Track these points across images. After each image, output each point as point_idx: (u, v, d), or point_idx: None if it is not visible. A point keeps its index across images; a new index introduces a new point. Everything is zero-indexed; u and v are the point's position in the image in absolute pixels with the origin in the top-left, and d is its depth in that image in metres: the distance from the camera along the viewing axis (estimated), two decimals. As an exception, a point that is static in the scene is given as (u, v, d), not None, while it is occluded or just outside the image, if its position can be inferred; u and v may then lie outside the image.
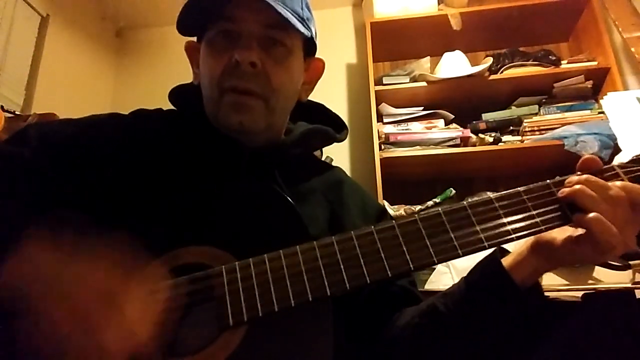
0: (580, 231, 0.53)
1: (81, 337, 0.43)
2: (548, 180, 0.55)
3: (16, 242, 0.47)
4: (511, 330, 0.59)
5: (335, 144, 0.81)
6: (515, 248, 0.58)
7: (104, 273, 0.46)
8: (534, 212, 0.53)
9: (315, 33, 0.76)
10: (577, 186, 0.52)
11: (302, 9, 0.70)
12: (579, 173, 0.55)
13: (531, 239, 0.56)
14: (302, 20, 0.69)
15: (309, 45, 0.75)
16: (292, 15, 0.66)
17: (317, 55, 0.79)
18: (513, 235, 0.52)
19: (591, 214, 0.50)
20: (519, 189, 0.55)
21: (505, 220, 0.53)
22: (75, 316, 0.44)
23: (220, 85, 0.67)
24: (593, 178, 0.53)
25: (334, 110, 0.84)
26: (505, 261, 0.58)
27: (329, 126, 0.78)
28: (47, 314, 0.44)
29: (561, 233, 0.54)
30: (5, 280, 0.45)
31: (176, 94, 0.77)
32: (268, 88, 0.67)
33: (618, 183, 0.52)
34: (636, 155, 0.56)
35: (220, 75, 0.66)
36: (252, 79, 0.66)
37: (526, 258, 0.57)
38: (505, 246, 0.55)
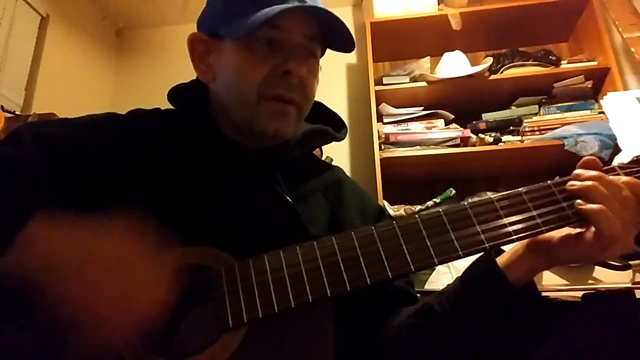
0: (579, 230, 0.53)
1: (95, 312, 0.45)
2: (549, 181, 0.55)
3: (23, 223, 0.48)
4: (508, 329, 0.60)
5: (335, 143, 0.81)
6: (511, 247, 0.58)
7: (118, 246, 0.48)
8: (535, 213, 0.53)
9: None
10: (589, 182, 0.52)
11: None
12: None
13: None
14: None
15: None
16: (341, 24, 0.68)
17: None
18: (514, 236, 0.52)
19: (598, 206, 0.50)
20: (519, 189, 0.55)
21: (506, 220, 0.53)
22: (90, 292, 0.45)
23: (260, 91, 0.66)
24: (606, 176, 0.52)
25: (333, 110, 0.84)
26: (500, 260, 0.58)
27: (328, 125, 0.79)
28: (59, 290, 0.45)
29: (559, 232, 0.54)
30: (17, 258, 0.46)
31: (176, 94, 0.76)
32: (304, 98, 0.69)
33: (625, 179, 0.52)
34: (636, 156, 0.56)
35: (262, 81, 0.66)
36: (295, 90, 0.67)
37: (521, 257, 0.57)
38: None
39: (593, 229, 0.51)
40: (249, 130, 0.69)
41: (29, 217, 0.48)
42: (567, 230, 0.54)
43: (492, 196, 0.55)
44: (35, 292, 0.45)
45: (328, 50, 0.75)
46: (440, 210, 0.54)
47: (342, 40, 0.69)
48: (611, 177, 0.52)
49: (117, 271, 0.47)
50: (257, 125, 0.68)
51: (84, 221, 0.49)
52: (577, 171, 0.55)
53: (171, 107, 0.77)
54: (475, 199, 1.87)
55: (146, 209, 0.49)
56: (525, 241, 0.56)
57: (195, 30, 0.74)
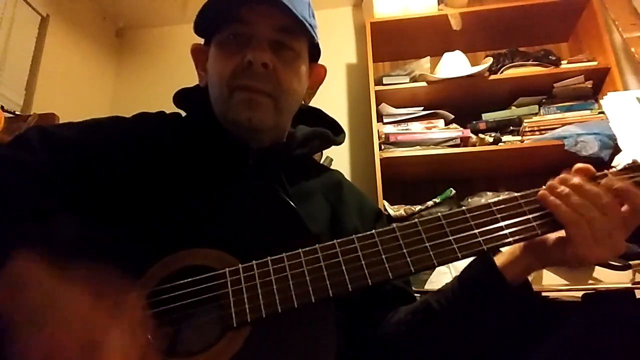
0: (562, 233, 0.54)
1: None
2: (544, 186, 0.56)
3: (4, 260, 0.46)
4: (506, 328, 0.60)
5: (335, 145, 0.82)
6: (507, 247, 0.59)
7: (87, 311, 0.45)
8: (531, 216, 0.54)
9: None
10: (557, 201, 0.53)
11: (309, 16, 0.72)
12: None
13: None
14: (311, 27, 0.72)
15: (313, 51, 0.77)
16: (304, 21, 0.69)
17: None
18: (510, 239, 0.53)
19: (565, 213, 0.52)
20: (515, 194, 0.56)
21: (502, 224, 0.54)
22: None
23: (230, 84, 0.68)
24: (584, 184, 0.53)
25: (334, 110, 0.86)
26: (498, 260, 0.59)
27: (327, 129, 0.80)
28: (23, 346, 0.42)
29: (555, 235, 0.55)
30: None
31: (181, 97, 0.78)
32: (278, 88, 0.69)
33: (619, 184, 0.53)
34: (629, 163, 0.57)
35: (231, 74, 0.68)
36: (263, 79, 0.68)
37: (518, 257, 0.58)
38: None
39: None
40: (228, 124, 0.71)
41: (13, 250, 0.47)
42: (561, 233, 0.55)
43: (489, 200, 0.56)
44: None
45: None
46: (439, 213, 0.55)
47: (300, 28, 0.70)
48: (588, 185, 0.53)
49: (81, 323, 0.44)
50: (231, 116, 0.70)
51: (60, 268, 0.47)
52: (551, 182, 0.55)
53: (174, 109, 0.79)
54: (475, 199, 1.88)
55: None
56: (521, 242, 0.57)
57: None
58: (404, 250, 0.52)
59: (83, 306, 0.45)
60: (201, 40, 0.78)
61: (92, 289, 0.46)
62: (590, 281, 1.26)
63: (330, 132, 0.80)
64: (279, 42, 0.70)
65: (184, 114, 0.79)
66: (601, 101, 1.82)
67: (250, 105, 0.68)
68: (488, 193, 1.89)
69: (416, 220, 0.55)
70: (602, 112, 1.81)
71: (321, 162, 1.94)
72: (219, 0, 0.70)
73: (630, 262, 1.20)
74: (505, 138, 1.96)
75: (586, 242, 0.51)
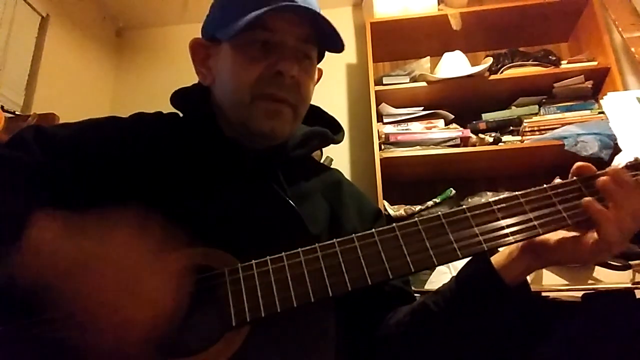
0: (575, 233, 0.54)
1: (106, 312, 0.45)
2: (545, 185, 0.56)
3: (26, 227, 0.47)
4: (505, 328, 0.60)
5: (335, 144, 0.82)
6: (505, 247, 0.59)
7: (126, 248, 0.47)
8: (531, 216, 0.54)
9: None
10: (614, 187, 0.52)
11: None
12: (574, 178, 0.56)
13: None
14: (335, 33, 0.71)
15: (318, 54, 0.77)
16: (332, 29, 0.68)
17: None
18: (511, 238, 0.53)
19: (611, 212, 0.51)
20: (516, 193, 0.56)
21: (503, 223, 0.54)
22: (100, 292, 0.45)
23: (253, 91, 0.68)
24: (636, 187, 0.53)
25: (334, 111, 0.86)
26: (495, 260, 0.59)
27: (326, 128, 0.80)
28: (71, 293, 0.44)
29: (554, 234, 0.55)
30: (25, 264, 0.45)
31: (179, 97, 0.77)
32: (299, 98, 0.70)
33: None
34: (630, 161, 0.57)
35: (255, 81, 0.67)
36: (288, 90, 0.68)
37: (517, 258, 0.58)
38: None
39: (591, 233, 0.52)
40: (245, 130, 0.70)
41: (31, 216, 0.48)
42: (562, 233, 0.55)
43: (489, 200, 0.55)
44: (44, 295, 0.44)
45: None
46: (439, 212, 0.55)
47: (331, 41, 0.70)
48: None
49: (124, 272, 0.46)
50: (252, 124, 0.69)
51: (85, 220, 0.48)
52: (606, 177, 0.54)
53: (173, 110, 0.78)
54: (476, 199, 1.88)
55: (148, 211, 0.49)
56: (520, 242, 0.57)
57: (195, 32, 0.76)
58: (404, 250, 0.52)
59: (125, 250, 0.47)
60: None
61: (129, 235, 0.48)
62: (590, 281, 1.26)
63: (329, 130, 0.80)
64: (301, 51, 0.70)
65: (181, 114, 0.79)
66: (601, 101, 1.82)
67: (273, 115, 0.68)
68: (488, 193, 1.89)
69: (416, 219, 0.54)
70: (602, 112, 1.81)
71: (321, 161, 1.94)
72: (243, 2, 0.68)
73: (630, 262, 1.20)
74: (505, 138, 1.96)
75: (611, 244, 0.51)
